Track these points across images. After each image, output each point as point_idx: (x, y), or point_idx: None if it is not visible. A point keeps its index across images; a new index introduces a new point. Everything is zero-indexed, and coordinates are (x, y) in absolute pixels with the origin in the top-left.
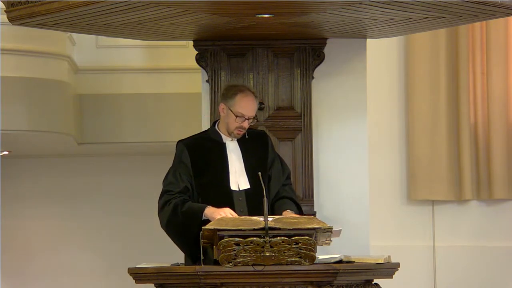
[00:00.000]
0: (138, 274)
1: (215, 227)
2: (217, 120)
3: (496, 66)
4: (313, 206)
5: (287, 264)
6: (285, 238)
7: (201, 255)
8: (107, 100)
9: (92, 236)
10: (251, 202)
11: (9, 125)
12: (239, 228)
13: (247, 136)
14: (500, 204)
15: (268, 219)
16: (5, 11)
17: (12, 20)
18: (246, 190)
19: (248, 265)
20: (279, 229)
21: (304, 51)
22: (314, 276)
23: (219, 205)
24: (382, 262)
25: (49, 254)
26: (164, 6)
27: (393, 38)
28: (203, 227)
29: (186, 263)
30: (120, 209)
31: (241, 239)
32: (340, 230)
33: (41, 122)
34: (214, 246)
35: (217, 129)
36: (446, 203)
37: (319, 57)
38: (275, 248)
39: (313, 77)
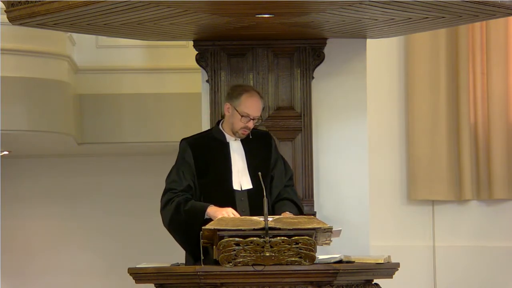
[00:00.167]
0: (138, 274)
1: (215, 227)
2: (221, 119)
3: (496, 66)
4: (313, 206)
5: (287, 264)
6: (285, 238)
7: (202, 255)
8: (107, 100)
9: (92, 236)
10: (253, 202)
11: (9, 125)
12: (239, 228)
13: (251, 136)
14: (500, 204)
15: (268, 219)
16: (5, 11)
17: (12, 20)
18: (248, 190)
19: (248, 265)
20: (279, 229)
21: (304, 51)
22: (314, 276)
23: (221, 204)
24: (382, 262)
25: (49, 254)
26: (164, 6)
27: (393, 38)
28: (203, 227)
29: (186, 262)
30: (120, 209)
31: (241, 239)
32: (340, 230)
33: (41, 122)
34: (214, 246)
35: (221, 129)
36: (446, 203)
37: (319, 57)
38: (275, 248)
39: (313, 77)
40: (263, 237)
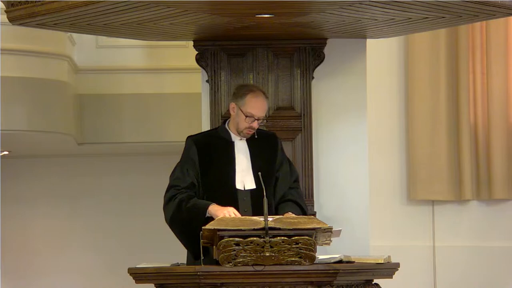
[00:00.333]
0: (138, 274)
1: (215, 227)
2: (227, 118)
3: (496, 66)
4: (313, 206)
5: (287, 264)
6: (285, 238)
7: (201, 255)
8: (107, 100)
9: (92, 236)
10: (255, 202)
11: (9, 125)
12: (239, 228)
13: (256, 136)
14: (500, 204)
15: (268, 219)
16: (5, 11)
17: (12, 20)
18: (251, 190)
19: (248, 265)
20: (279, 229)
21: (304, 51)
22: (314, 276)
23: (223, 203)
24: (382, 262)
25: (49, 254)
26: (164, 6)
27: (393, 38)
28: (203, 227)
29: (188, 261)
30: (120, 209)
31: (241, 239)
32: (340, 230)
33: (41, 122)
34: (214, 246)
35: (227, 128)
36: (446, 203)
37: (319, 57)
38: (275, 248)
39: (313, 77)
40: (263, 237)
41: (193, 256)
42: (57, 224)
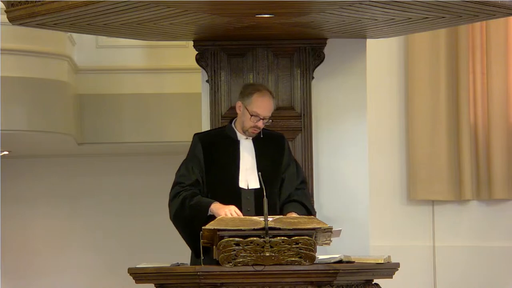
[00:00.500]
0: (138, 274)
1: (215, 227)
2: (234, 117)
3: (496, 66)
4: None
5: (287, 264)
6: (285, 238)
7: (202, 254)
8: (107, 100)
9: (92, 236)
10: (259, 201)
11: (9, 125)
12: (239, 228)
13: (262, 136)
14: (500, 204)
15: (268, 219)
16: (5, 11)
17: (12, 20)
18: (255, 189)
19: (248, 265)
20: (279, 229)
21: (304, 51)
22: (314, 276)
23: (226, 201)
24: (382, 262)
25: (49, 254)
26: (164, 6)
27: (393, 38)
28: (203, 227)
29: (191, 261)
30: (120, 209)
31: (241, 239)
32: (340, 230)
33: (41, 122)
34: (214, 246)
35: (233, 127)
36: (446, 203)
37: (319, 57)
38: (275, 248)
39: (313, 77)
40: (263, 237)
41: (195, 254)
42: (57, 224)
